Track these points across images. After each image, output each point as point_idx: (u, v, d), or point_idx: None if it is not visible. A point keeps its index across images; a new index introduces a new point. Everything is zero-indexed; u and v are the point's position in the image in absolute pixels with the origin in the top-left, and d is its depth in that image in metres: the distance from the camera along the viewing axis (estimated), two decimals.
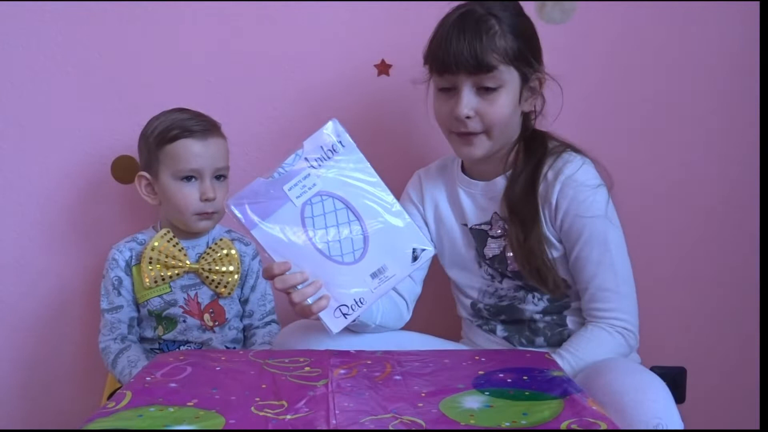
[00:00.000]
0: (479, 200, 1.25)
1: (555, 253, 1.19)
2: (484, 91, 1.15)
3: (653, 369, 1.19)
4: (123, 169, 1.48)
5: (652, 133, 1.53)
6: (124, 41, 1.47)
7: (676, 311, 1.56)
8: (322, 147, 1.02)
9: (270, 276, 1.03)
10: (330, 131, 1.03)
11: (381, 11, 1.49)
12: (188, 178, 1.32)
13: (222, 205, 1.35)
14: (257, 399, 0.85)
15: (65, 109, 1.48)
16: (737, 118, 1.53)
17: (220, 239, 1.37)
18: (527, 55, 1.16)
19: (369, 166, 1.05)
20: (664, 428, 0.91)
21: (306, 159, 1.02)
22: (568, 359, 1.12)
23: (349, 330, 1.12)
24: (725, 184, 1.54)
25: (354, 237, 1.03)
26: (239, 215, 1.03)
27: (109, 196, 1.50)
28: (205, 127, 1.33)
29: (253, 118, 1.51)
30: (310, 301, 1.03)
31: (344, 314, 1.04)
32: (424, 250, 1.06)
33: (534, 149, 1.21)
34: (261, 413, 0.81)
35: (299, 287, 1.03)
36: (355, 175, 1.04)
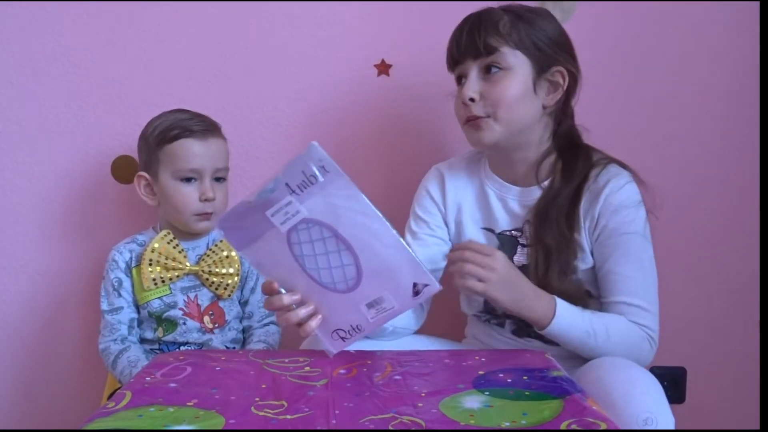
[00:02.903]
0: (511, 205, 1.23)
1: (584, 266, 1.18)
2: (489, 74, 1.15)
3: (653, 369, 1.19)
4: (123, 169, 1.48)
5: (651, 134, 1.53)
6: (124, 41, 1.47)
7: (676, 311, 1.56)
8: (303, 172, 0.93)
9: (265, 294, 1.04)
10: (310, 157, 0.93)
11: (381, 11, 1.49)
12: (188, 179, 1.32)
13: (221, 206, 1.35)
14: (257, 399, 0.85)
15: (65, 109, 1.48)
16: (737, 118, 1.53)
17: (221, 241, 1.36)
18: (542, 44, 1.17)
19: (359, 193, 0.94)
20: (654, 423, 0.91)
21: (287, 185, 0.93)
22: (590, 317, 1.10)
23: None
24: (725, 184, 1.55)
25: (345, 266, 0.97)
26: (227, 238, 1.01)
27: (109, 196, 1.50)
28: (205, 127, 1.33)
29: (253, 118, 1.51)
30: (304, 320, 1.01)
31: (342, 338, 1.02)
32: (426, 285, 0.97)
33: (575, 165, 1.19)
34: (261, 413, 0.81)
35: (293, 306, 1.01)
36: (343, 203, 0.94)
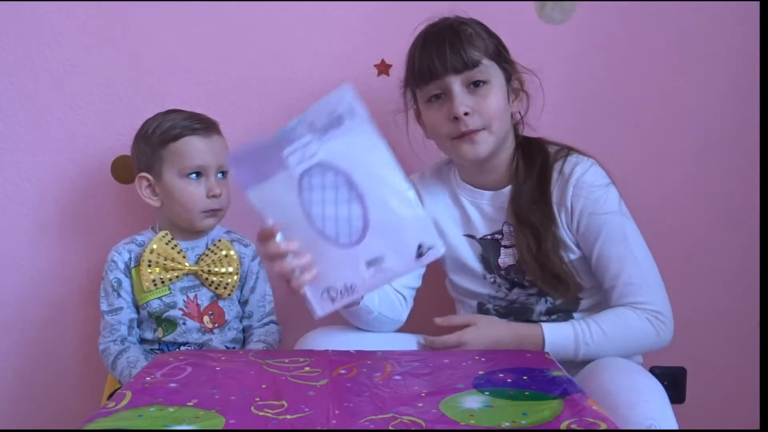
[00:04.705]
0: (487, 210, 1.24)
1: (572, 257, 1.20)
2: (474, 87, 1.16)
3: (653, 369, 1.19)
4: (123, 169, 1.48)
5: (651, 134, 1.53)
6: (124, 41, 1.47)
7: (676, 311, 1.55)
8: (330, 113, 0.90)
9: (258, 239, 0.98)
10: (341, 97, 0.91)
11: (381, 11, 1.48)
12: (195, 175, 1.32)
13: (226, 202, 1.35)
14: (257, 399, 0.85)
15: (65, 109, 1.48)
16: (737, 118, 1.52)
17: (219, 240, 1.37)
18: (504, 53, 1.20)
19: (382, 143, 0.91)
20: (658, 429, 0.91)
21: (311, 124, 0.90)
22: (581, 325, 1.13)
23: (354, 328, 1.12)
24: (725, 183, 1.54)
25: (352, 218, 0.93)
26: (235, 174, 0.97)
27: (108, 196, 1.50)
28: (207, 124, 1.34)
29: (253, 117, 1.51)
30: (296, 273, 0.96)
31: (332, 298, 0.96)
32: (431, 248, 0.94)
33: (533, 156, 1.22)
34: (261, 413, 0.81)
35: (288, 258, 0.96)
36: (364, 152, 0.91)
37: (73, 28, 1.46)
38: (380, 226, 0.93)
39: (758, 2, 1.44)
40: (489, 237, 1.25)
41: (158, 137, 1.32)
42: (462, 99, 1.15)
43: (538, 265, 1.17)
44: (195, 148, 1.31)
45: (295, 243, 0.96)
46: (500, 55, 1.19)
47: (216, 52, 1.48)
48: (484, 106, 1.15)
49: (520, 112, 1.25)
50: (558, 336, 1.12)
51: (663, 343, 1.16)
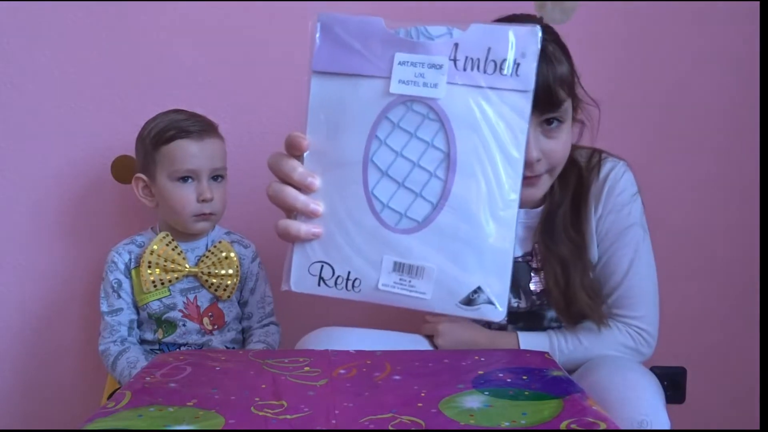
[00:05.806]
0: (518, 230, 1.18)
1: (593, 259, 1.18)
2: (546, 125, 1.02)
3: (653, 369, 1.19)
4: (123, 169, 1.48)
5: (650, 133, 1.53)
6: (123, 41, 1.47)
7: (676, 311, 1.56)
8: (490, 50, 0.65)
9: (287, 145, 0.74)
10: (519, 40, 0.64)
11: (381, 12, 1.48)
12: (185, 179, 1.31)
13: (220, 206, 1.34)
14: (257, 399, 0.85)
15: (65, 109, 1.48)
16: (737, 118, 1.53)
17: (219, 242, 1.36)
18: (574, 79, 1.06)
19: (524, 133, 0.66)
20: (649, 426, 0.91)
21: (456, 47, 0.66)
22: (571, 340, 1.13)
23: (358, 327, 1.12)
24: (725, 183, 1.55)
25: (419, 199, 0.67)
26: (316, 41, 0.70)
27: (108, 196, 1.50)
28: (201, 127, 1.32)
29: (254, 117, 1.51)
30: (302, 230, 0.71)
31: (320, 280, 0.71)
32: (490, 304, 0.67)
33: (565, 171, 1.13)
34: (261, 413, 0.80)
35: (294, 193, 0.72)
36: (494, 123, 0.65)
37: (73, 28, 1.46)
38: (447, 230, 0.67)
39: (758, 2, 1.44)
40: (520, 259, 1.20)
41: (151, 139, 1.31)
42: (536, 143, 1.01)
43: (565, 301, 1.14)
44: (186, 151, 1.30)
45: (318, 180, 0.71)
46: (573, 84, 1.05)
47: (216, 52, 1.49)
48: (556, 151, 1.05)
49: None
50: (533, 345, 1.12)
51: (641, 359, 1.15)
